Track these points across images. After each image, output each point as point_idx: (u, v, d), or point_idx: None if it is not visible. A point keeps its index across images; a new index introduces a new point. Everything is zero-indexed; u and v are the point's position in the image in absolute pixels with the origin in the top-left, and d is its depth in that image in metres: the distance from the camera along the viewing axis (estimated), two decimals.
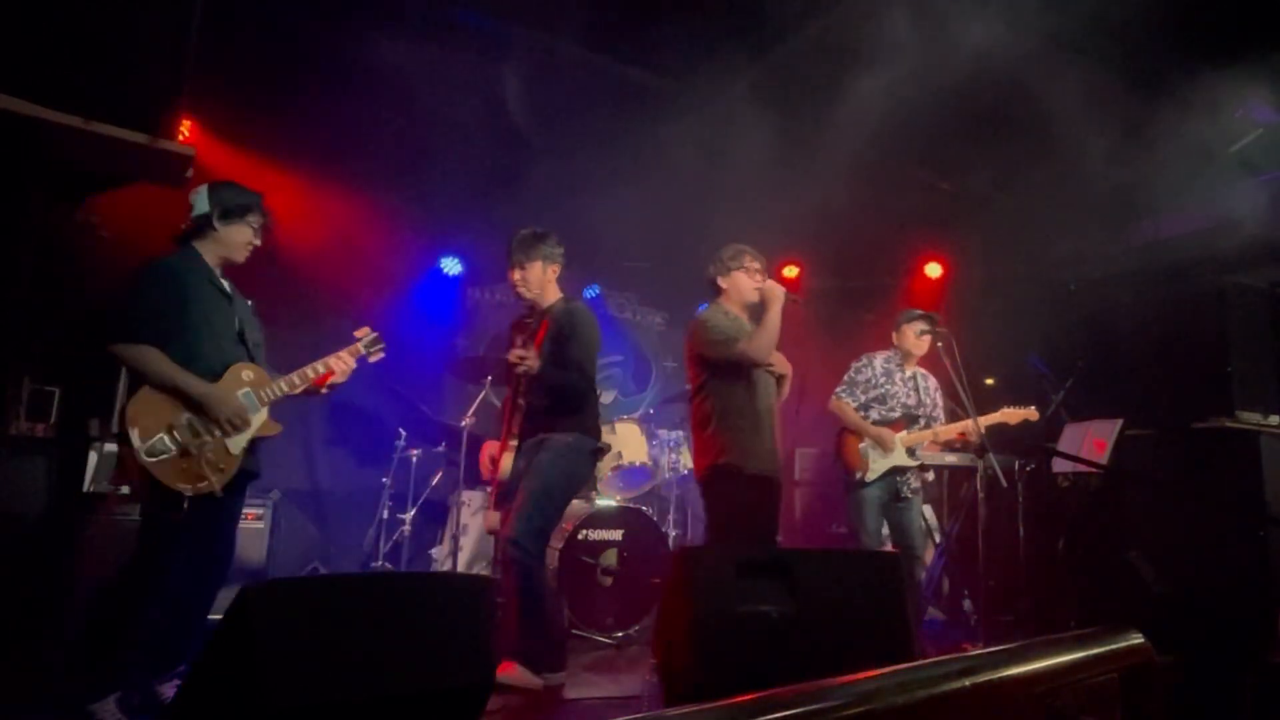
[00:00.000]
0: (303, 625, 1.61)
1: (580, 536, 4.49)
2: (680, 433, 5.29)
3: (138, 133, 1.40)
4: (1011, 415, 4.47)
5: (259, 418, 2.94)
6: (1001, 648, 1.40)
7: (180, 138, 4.44)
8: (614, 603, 4.48)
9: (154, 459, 2.64)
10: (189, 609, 2.83)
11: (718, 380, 3.59)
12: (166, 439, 2.67)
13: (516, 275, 3.58)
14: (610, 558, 4.54)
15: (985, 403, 4.52)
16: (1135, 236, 5.96)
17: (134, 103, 1.41)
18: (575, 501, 4.93)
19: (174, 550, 2.72)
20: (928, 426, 4.49)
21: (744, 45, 4.55)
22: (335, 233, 5.47)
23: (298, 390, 3.05)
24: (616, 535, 4.60)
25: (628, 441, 5.00)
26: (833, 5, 4.24)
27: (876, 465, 4.36)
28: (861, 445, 4.41)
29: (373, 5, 4.44)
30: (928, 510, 5.34)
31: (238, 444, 2.85)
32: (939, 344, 4.33)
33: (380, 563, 5.02)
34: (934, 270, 6.95)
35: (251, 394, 2.91)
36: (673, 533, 5.13)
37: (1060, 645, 1.32)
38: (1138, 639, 1.38)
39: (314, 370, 3.10)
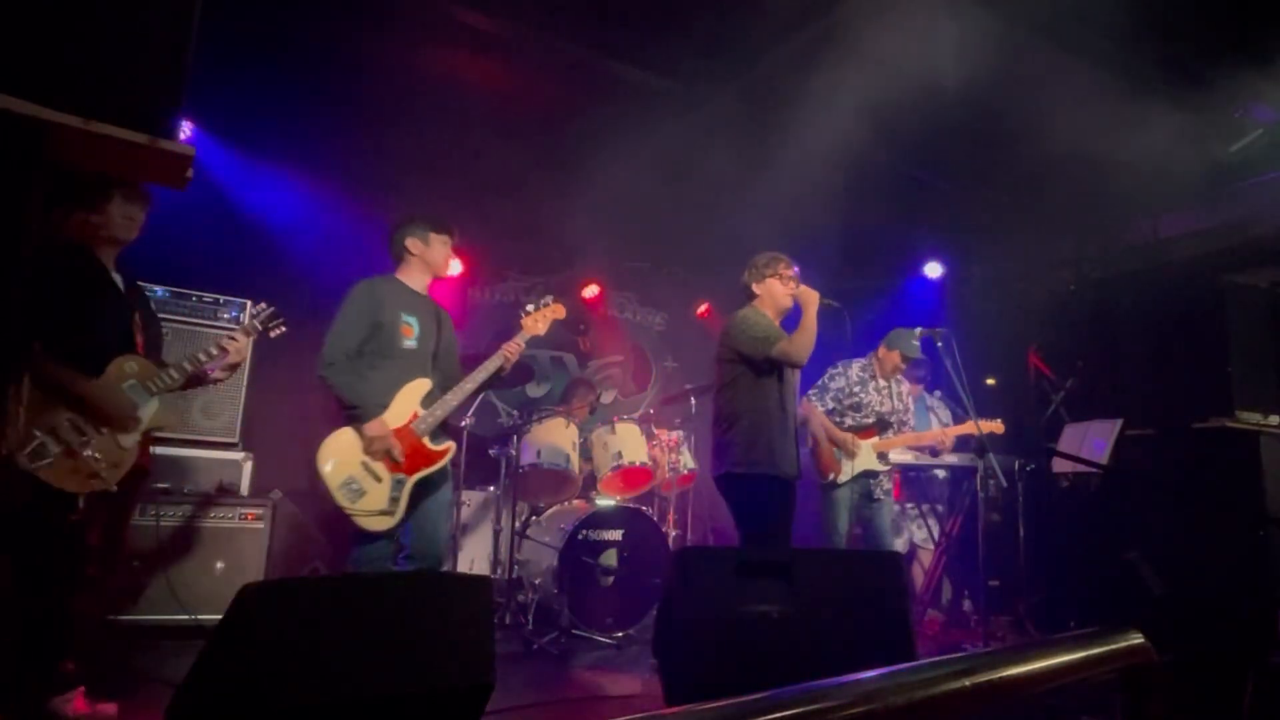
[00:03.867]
0: (303, 625, 1.61)
1: (580, 536, 4.48)
2: (680, 433, 5.28)
3: (138, 133, 1.39)
4: (980, 427, 4.53)
5: (149, 410, 2.80)
6: (1001, 648, 1.40)
7: (180, 138, 4.43)
8: (614, 603, 4.48)
9: (39, 463, 2.50)
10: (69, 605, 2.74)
11: (749, 379, 3.58)
12: (50, 442, 2.53)
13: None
14: (610, 558, 4.54)
15: (985, 403, 4.55)
16: (1135, 236, 5.96)
17: (134, 103, 1.40)
18: (576, 501, 4.95)
19: (65, 551, 2.64)
20: (900, 431, 4.64)
21: (744, 45, 4.55)
22: (334, 233, 5.47)
23: (187, 377, 2.91)
24: (616, 535, 4.60)
25: (628, 441, 5.00)
26: (832, 6, 4.24)
27: (848, 468, 4.48)
28: (835, 448, 4.53)
29: (373, 5, 4.44)
30: (929, 515, 5.34)
31: (130, 438, 2.73)
32: (939, 343, 4.35)
33: None
34: (934, 270, 6.95)
35: (138, 386, 2.78)
36: (673, 533, 5.13)
37: (1060, 645, 1.32)
38: (1138, 639, 1.38)
39: (206, 354, 2.97)
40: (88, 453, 2.60)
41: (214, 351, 3.00)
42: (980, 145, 5.19)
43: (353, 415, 3.13)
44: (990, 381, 6.07)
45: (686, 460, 5.22)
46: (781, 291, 3.70)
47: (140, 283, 3.07)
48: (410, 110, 5.09)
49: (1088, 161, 4.87)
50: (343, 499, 3.06)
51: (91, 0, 1.39)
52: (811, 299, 3.59)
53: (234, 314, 4.50)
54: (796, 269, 3.77)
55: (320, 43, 4.66)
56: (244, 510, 4.19)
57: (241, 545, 4.13)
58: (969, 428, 4.62)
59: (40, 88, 1.27)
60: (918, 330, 4.54)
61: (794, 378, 3.70)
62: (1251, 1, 4.06)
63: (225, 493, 4.24)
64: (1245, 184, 5.11)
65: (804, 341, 3.52)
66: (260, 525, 4.21)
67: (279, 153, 5.32)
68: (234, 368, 3.12)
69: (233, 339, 3.08)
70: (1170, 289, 4.64)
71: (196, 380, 3.02)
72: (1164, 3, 3.90)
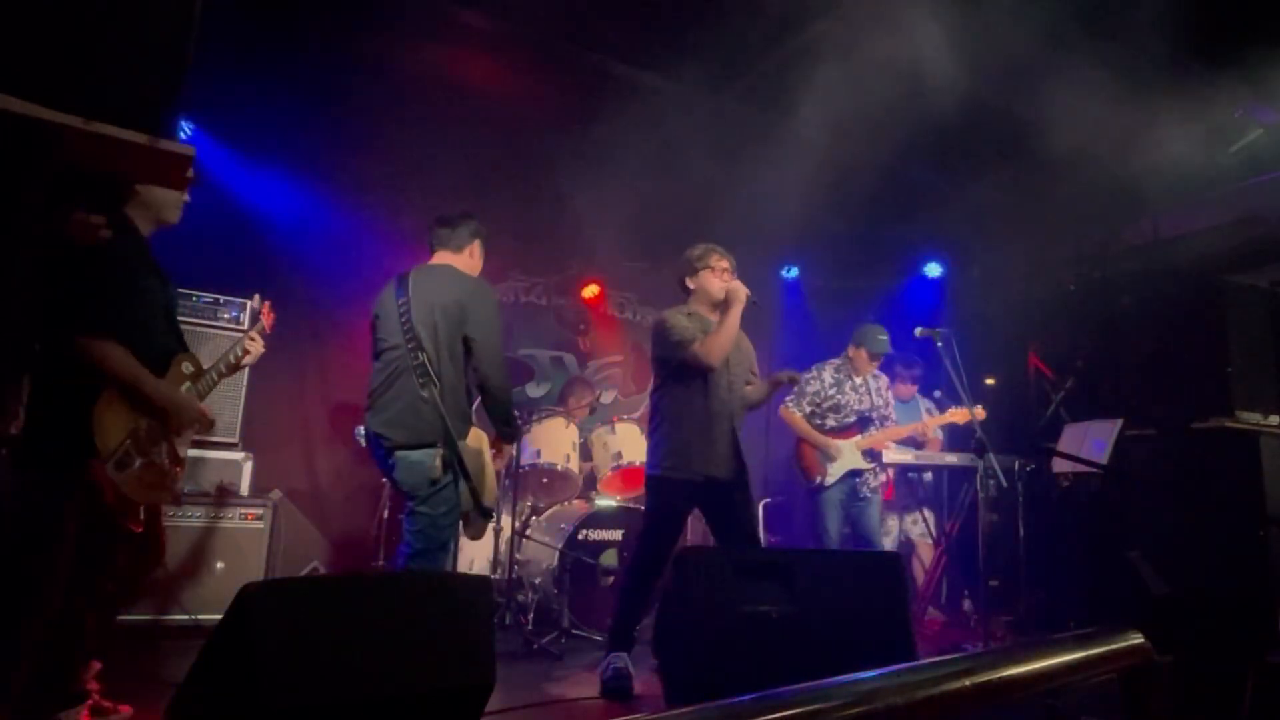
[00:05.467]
0: (303, 625, 1.61)
1: (580, 536, 4.48)
2: None
3: (138, 133, 1.39)
4: (959, 415, 4.70)
5: None
6: (1001, 648, 1.40)
7: (180, 138, 4.43)
8: (614, 603, 4.47)
9: (123, 473, 2.36)
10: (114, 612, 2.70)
11: (673, 382, 3.53)
12: (133, 449, 2.40)
13: None
14: (610, 558, 4.54)
15: (985, 403, 4.57)
16: (1135, 236, 5.96)
17: (134, 103, 1.41)
18: (576, 501, 4.94)
19: (115, 558, 2.54)
20: (882, 427, 4.69)
21: (744, 45, 4.55)
22: (334, 233, 5.47)
23: (225, 378, 2.92)
24: (616, 535, 4.60)
25: (627, 441, 4.99)
26: (833, 6, 4.24)
27: (834, 469, 4.53)
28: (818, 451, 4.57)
29: (373, 5, 4.44)
30: (927, 513, 5.34)
31: (185, 445, 2.63)
32: (939, 343, 4.34)
33: (380, 563, 5.02)
34: (934, 270, 6.95)
35: (193, 388, 2.69)
36: None
37: (1060, 645, 1.32)
38: (1138, 639, 1.38)
39: (234, 355, 2.96)
40: (162, 461, 2.48)
41: (240, 352, 3.01)
42: (981, 145, 5.19)
43: (508, 432, 3.29)
44: (990, 381, 6.07)
45: None
46: (714, 285, 3.62)
47: None
48: (410, 110, 5.09)
49: (1088, 161, 4.87)
50: (492, 500, 3.28)
51: (92, 1, 1.39)
52: (738, 296, 3.48)
53: (234, 314, 4.49)
54: (729, 261, 3.67)
55: (320, 42, 4.66)
56: (244, 510, 4.19)
57: (241, 545, 4.13)
58: (949, 417, 4.77)
59: (42, 88, 1.28)
60: (925, 329, 4.54)
61: (729, 376, 3.55)
62: (1251, 1, 4.05)
63: (225, 493, 4.24)
64: (1245, 184, 5.11)
65: (717, 343, 3.41)
66: (260, 525, 4.21)
67: (279, 152, 5.31)
68: (245, 367, 3.15)
69: (252, 339, 3.05)
70: (1170, 289, 4.64)
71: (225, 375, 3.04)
72: (1165, 3, 3.89)
